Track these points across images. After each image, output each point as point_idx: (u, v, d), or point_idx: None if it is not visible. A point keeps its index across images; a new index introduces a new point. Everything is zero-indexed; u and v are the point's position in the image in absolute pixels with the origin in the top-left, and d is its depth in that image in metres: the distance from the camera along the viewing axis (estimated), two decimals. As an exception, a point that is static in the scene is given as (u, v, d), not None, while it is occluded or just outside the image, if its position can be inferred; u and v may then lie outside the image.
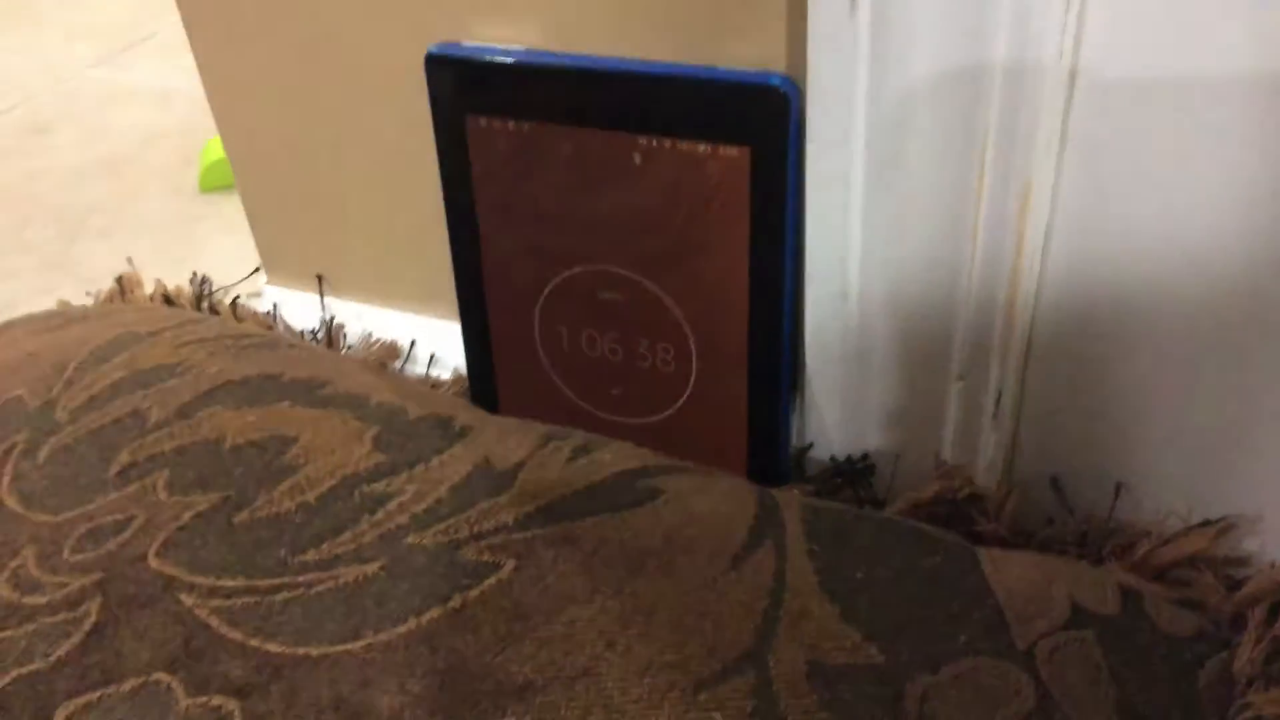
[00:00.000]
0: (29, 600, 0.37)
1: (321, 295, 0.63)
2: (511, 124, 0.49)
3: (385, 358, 0.60)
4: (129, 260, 0.82)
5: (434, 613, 0.36)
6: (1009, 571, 0.39)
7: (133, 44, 1.33)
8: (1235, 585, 0.43)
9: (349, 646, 0.35)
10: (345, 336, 0.62)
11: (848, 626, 0.36)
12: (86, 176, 1.06)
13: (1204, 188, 0.38)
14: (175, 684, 0.33)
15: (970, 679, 0.36)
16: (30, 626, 0.36)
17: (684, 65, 0.45)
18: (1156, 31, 0.36)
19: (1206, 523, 0.45)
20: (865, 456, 0.50)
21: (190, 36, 0.61)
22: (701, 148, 0.46)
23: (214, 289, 0.67)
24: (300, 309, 0.65)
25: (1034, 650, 0.37)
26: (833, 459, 0.51)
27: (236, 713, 0.32)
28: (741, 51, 0.45)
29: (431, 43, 0.50)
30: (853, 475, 0.50)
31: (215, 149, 1.01)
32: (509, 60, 0.49)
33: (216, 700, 0.33)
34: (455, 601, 0.36)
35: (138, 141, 1.12)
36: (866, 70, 0.41)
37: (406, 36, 0.52)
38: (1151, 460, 0.45)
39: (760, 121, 0.44)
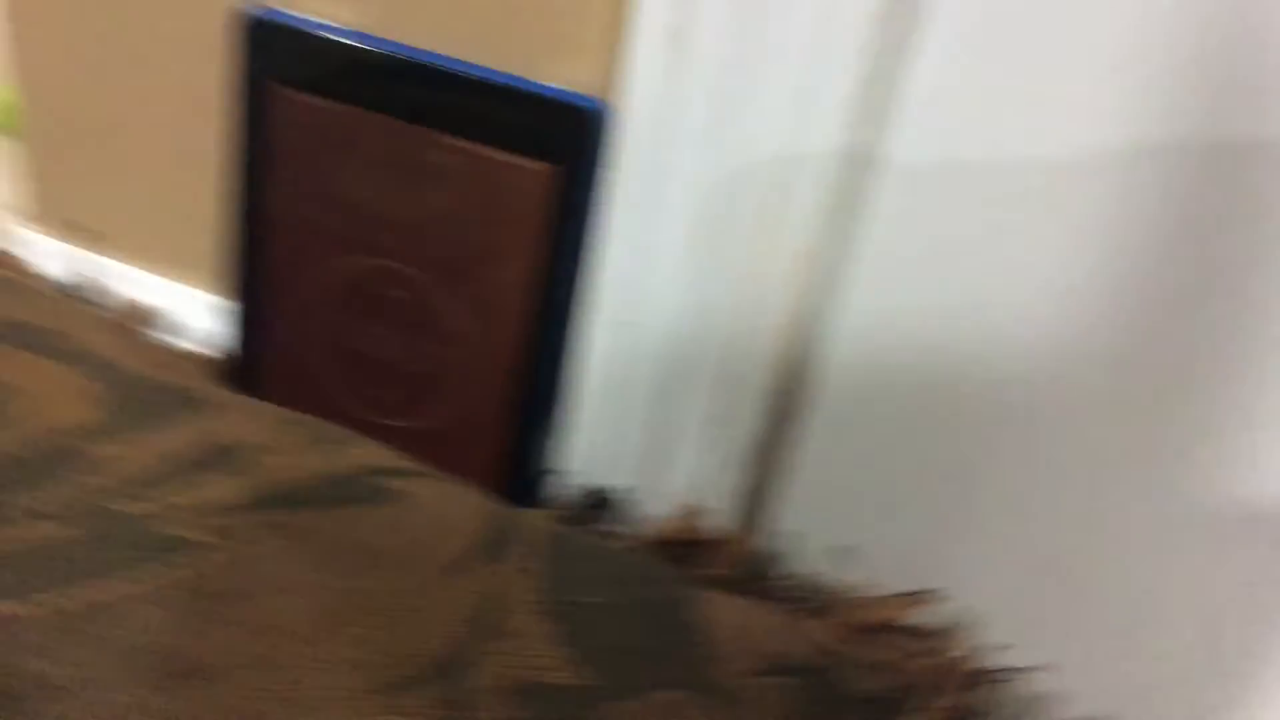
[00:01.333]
0: None
1: (81, 247, 0.59)
2: (318, 100, 0.48)
3: (138, 321, 0.57)
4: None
5: (125, 584, 0.34)
6: (723, 614, 0.40)
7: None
8: (931, 653, 0.45)
9: (26, 609, 0.33)
10: (103, 294, 0.59)
11: (558, 648, 0.36)
12: None
13: (994, 270, 0.41)
14: None
15: (673, 709, 0.36)
16: None
17: (501, 72, 0.46)
18: (958, 115, 0.39)
19: (907, 593, 0.47)
20: (614, 489, 0.51)
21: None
22: (504, 157, 0.46)
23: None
24: (63, 259, 0.61)
25: (735, 689, 0.38)
26: (583, 488, 0.51)
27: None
28: (563, 71, 0.45)
29: (244, 2, 0.49)
30: (600, 505, 0.51)
31: (4, 92, 0.94)
32: (325, 34, 0.48)
33: None
34: (149, 574, 0.34)
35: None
36: (677, 106, 0.42)
37: (223, -7, 0.50)
38: (882, 530, 0.48)
39: (567, 140, 0.45)
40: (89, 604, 0.32)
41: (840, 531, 0.49)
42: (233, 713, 0.30)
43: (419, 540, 0.38)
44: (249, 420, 0.43)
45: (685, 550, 0.47)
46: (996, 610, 0.47)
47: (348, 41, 0.48)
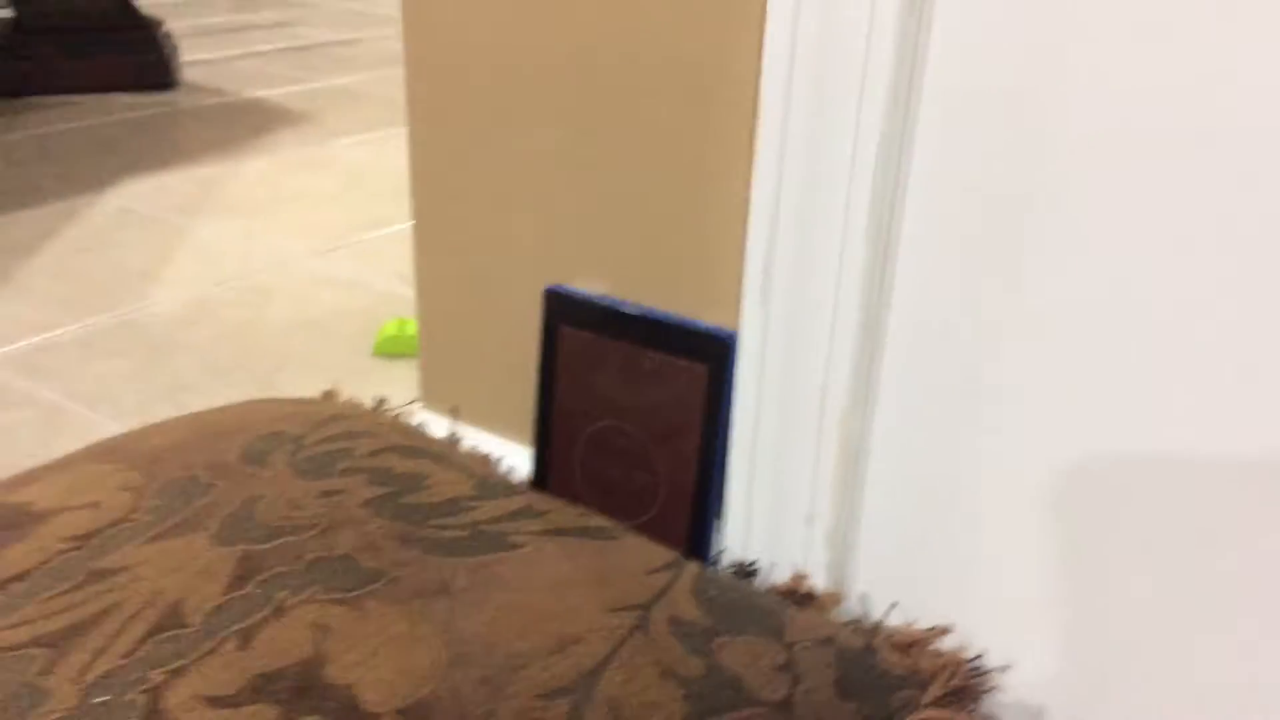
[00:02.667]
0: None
1: (454, 420, 1.00)
2: (585, 334, 0.87)
3: (486, 462, 0.96)
4: (333, 384, 1.20)
5: (490, 559, 0.69)
6: (802, 615, 0.71)
7: (337, 246, 1.79)
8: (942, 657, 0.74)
9: (464, 564, 0.68)
10: (461, 444, 0.99)
11: (699, 609, 0.69)
12: (294, 331, 1.48)
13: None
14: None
15: (756, 647, 0.67)
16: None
17: (681, 317, 0.83)
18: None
19: (930, 628, 0.76)
20: (754, 562, 0.84)
21: (416, 243, 1.01)
22: (684, 363, 0.82)
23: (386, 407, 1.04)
24: (437, 428, 1.02)
25: (800, 649, 0.68)
26: (734, 561, 0.84)
27: None
28: (714, 316, 0.82)
29: (548, 284, 0.89)
30: (745, 572, 0.83)
31: (389, 328, 1.42)
32: (590, 299, 0.87)
33: None
34: (497, 556, 0.69)
35: (333, 314, 1.54)
36: (763, 334, 0.77)
37: (538, 277, 0.91)
38: (913, 590, 0.78)
39: (715, 352, 0.80)
40: (485, 565, 0.68)
41: (890, 593, 0.79)
42: (535, 611, 0.64)
43: (639, 555, 0.72)
44: (545, 498, 0.79)
45: (797, 599, 0.79)
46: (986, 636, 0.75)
47: (601, 302, 0.86)
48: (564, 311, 0.88)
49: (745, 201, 0.77)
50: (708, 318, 0.82)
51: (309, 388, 1.27)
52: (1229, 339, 0.63)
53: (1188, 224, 0.62)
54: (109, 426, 1.22)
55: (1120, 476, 0.69)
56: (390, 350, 1.42)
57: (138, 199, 1.98)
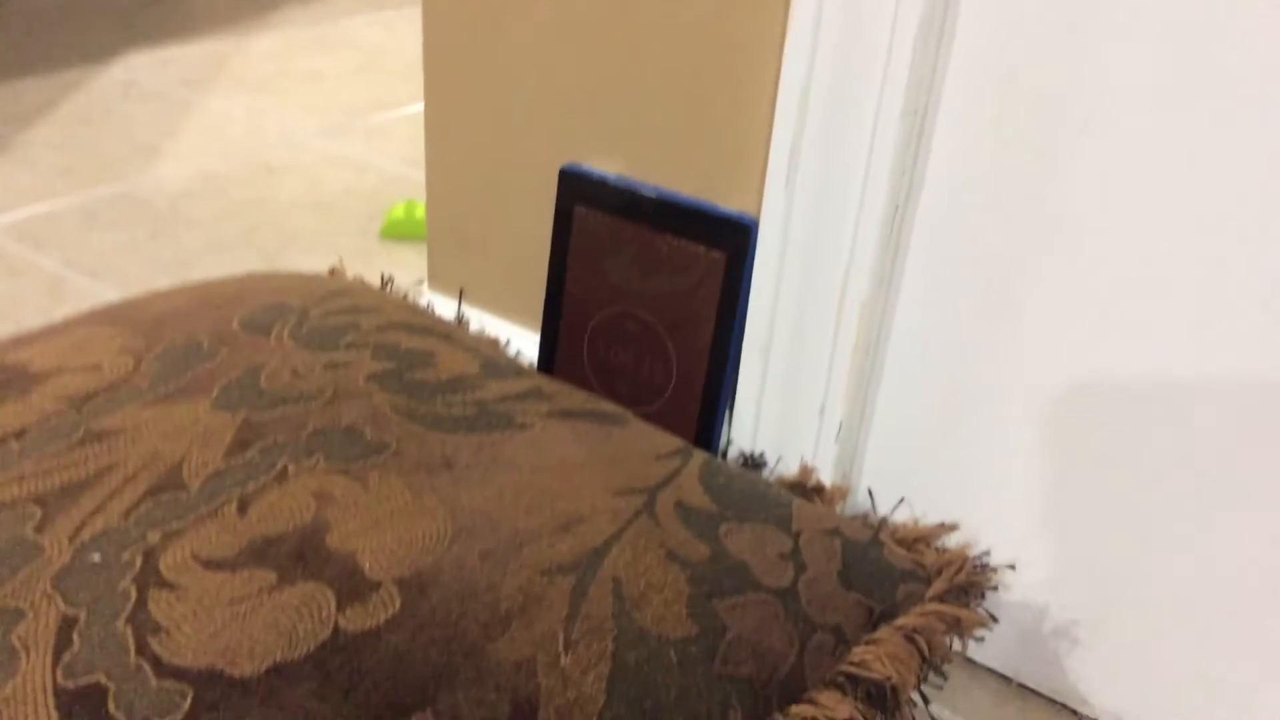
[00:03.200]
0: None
1: (460, 302, 0.98)
2: (600, 216, 0.84)
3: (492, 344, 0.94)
4: (339, 260, 1.18)
5: (495, 436, 0.68)
6: (809, 507, 0.70)
7: (347, 127, 1.75)
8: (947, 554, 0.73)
9: (466, 439, 0.67)
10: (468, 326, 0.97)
11: (705, 496, 0.67)
12: (300, 210, 1.45)
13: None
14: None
15: (764, 534, 0.66)
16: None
17: (700, 200, 0.80)
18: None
19: (938, 524, 0.75)
20: (762, 454, 0.82)
21: (427, 123, 0.98)
22: (701, 249, 0.80)
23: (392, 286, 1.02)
24: (444, 310, 1.00)
25: (807, 538, 0.67)
26: (741, 453, 0.83)
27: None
28: (735, 201, 0.79)
29: (563, 164, 0.86)
30: (753, 464, 0.82)
31: (397, 211, 1.39)
32: (606, 179, 0.84)
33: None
34: (504, 435, 0.68)
35: (340, 194, 1.51)
36: (786, 221, 0.75)
37: (552, 158, 0.88)
38: (920, 488, 0.76)
39: (734, 239, 0.78)
40: (491, 443, 0.66)
41: (899, 489, 0.78)
42: (540, 490, 0.63)
43: (647, 441, 0.71)
44: (553, 381, 0.77)
45: (804, 492, 0.77)
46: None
47: (617, 183, 0.83)
48: (579, 192, 0.85)
49: (774, 79, 0.74)
50: (728, 203, 0.80)
51: (314, 267, 1.24)
52: (1241, 263, 0.60)
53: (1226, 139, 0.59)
54: (111, 296, 1.21)
55: (1132, 388, 0.67)
56: (397, 233, 1.39)
57: (143, 72, 1.93)
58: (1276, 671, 0.68)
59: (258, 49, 2.11)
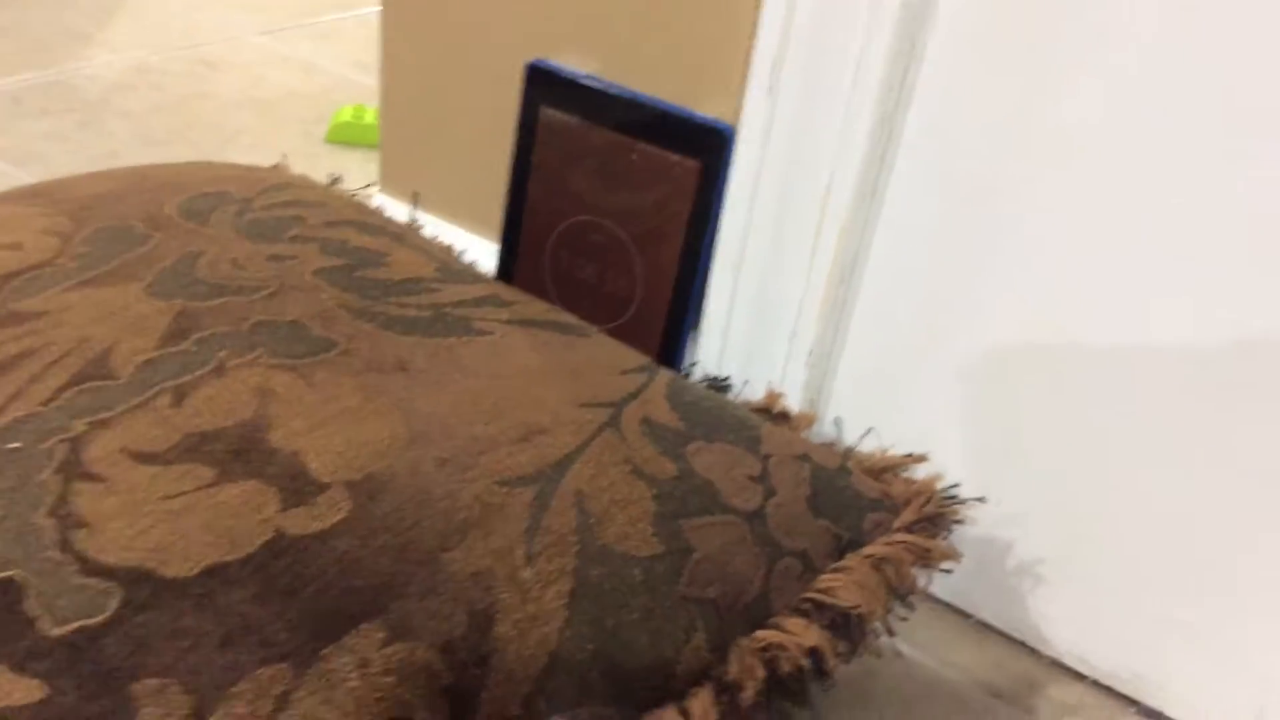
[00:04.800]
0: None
1: (414, 206, 0.93)
2: (565, 117, 0.80)
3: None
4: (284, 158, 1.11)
5: (452, 340, 0.64)
6: (777, 431, 0.67)
7: (291, 26, 1.66)
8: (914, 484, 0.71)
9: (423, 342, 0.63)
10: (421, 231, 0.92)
11: (673, 414, 0.64)
12: (240, 109, 1.37)
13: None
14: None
15: (731, 454, 0.63)
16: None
17: (676, 105, 0.76)
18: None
19: (907, 454, 0.73)
20: (727, 377, 0.79)
21: (384, 16, 0.92)
22: (674, 157, 0.76)
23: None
24: (395, 214, 0.95)
25: (775, 461, 0.65)
26: (706, 375, 0.80)
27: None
28: (711, 107, 0.75)
29: (530, 58, 0.81)
30: (718, 386, 0.79)
31: (344, 113, 1.32)
32: (574, 77, 0.79)
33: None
34: (461, 340, 0.64)
35: (284, 94, 1.43)
36: (768, 132, 0.71)
37: (515, 52, 0.82)
38: (888, 418, 0.74)
39: (710, 147, 0.74)
40: (447, 347, 0.62)
41: (867, 418, 0.76)
42: (499, 398, 0.59)
43: (611, 355, 0.67)
44: (512, 290, 0.73)
45: (770, 417, 0.74)
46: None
47: (587, 83, 0.79)
48: (546, 92, 0.80)
49: (762, -24, 0.70)
50: (704, 108, 0.76)
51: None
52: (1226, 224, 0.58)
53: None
54: (35, 187, 1.13)
55: (1105, 325, 0.65)
56: (343, 138, 1.33)
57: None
58: (1239, 612, 0.67)
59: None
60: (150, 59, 1.47)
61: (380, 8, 0.92)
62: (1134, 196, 0.62)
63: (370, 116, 1.32)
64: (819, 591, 0.60)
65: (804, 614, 0.59)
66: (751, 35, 0.70)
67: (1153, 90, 0.59)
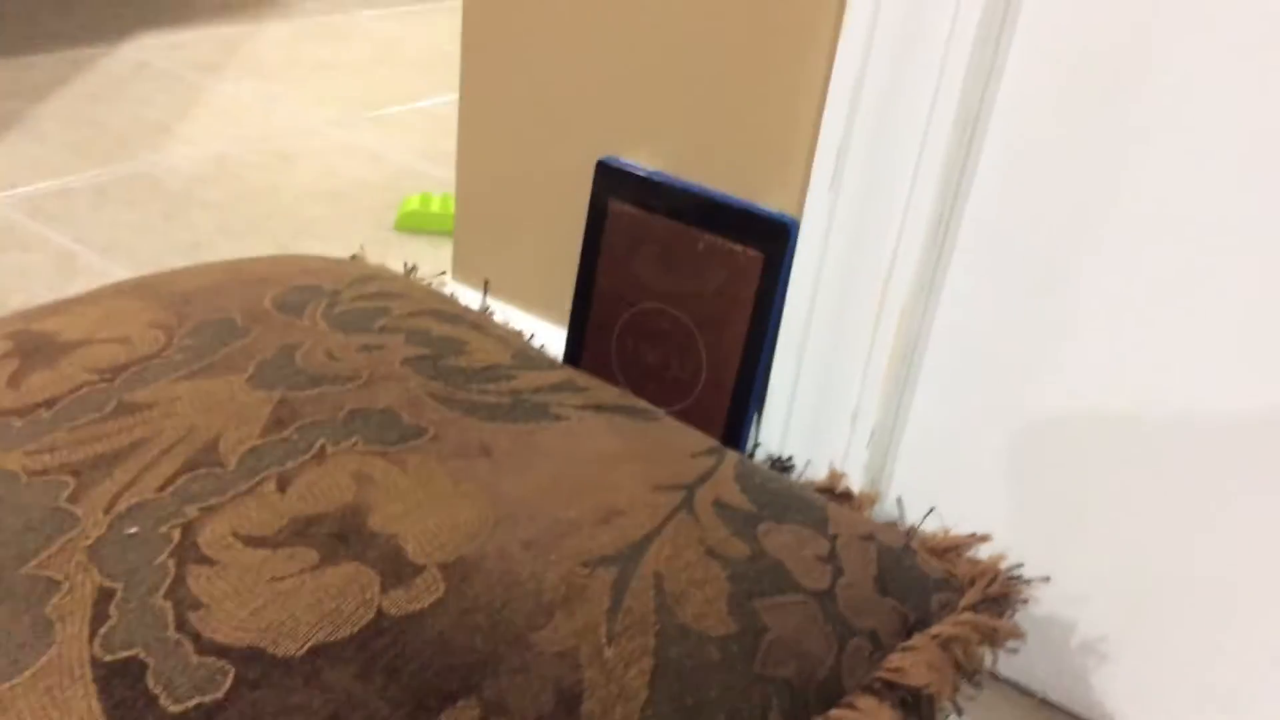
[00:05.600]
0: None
1: (485, 293, 0.97)
2: (634, 210, 0.83)
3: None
4: (360, 248, 1.17)
5: (539, 428, 0.67)
6: (843, 511, 0.70)
7: (360, 117, 1.74)
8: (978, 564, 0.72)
9: (505, 429, 0.66)
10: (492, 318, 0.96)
11: (742, 495, 0.67)
12: (314, 199, 1.44)
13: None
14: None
15: (801, 536, 0.65)
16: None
17: (739, 198, 0.79)
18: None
19: (970, 534, 0.75)
20: (790, 457, 0.81)
21: (461, 112, 0.97)
22: (739, 247, 0.79)
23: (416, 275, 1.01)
24: (468, 301, 0.99)
25: (843, 541, 0.67)
26: (770, 455, 0.82)
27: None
28: (773, 199, 0.78)
29: (598, 156, 0.85)
30: (782, 466, 0.81)
31: (411, 202, 1.38)
32: (641, 173, 0.83)
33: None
34: (542, 425, 0.67)
35: (354, 184, 1.49)
36: (829, 222, 0.74)
37: (587, 149, 0.87)
38: (950, 497, 0.76)
39: (773, 238, 0.77)
40: (527, 432, 0.65)
41: (929, 499, 0.78)
42: (578, 481, 0.62)
43: (681, 438, 0.70)
44: (585, 375, 0.76)
45: (834, 497, 0.77)
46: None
47: (655, 178, 0.83)
48: (614, 185, 0.84)
49: (824, 74, 0.73)
50: (768, 202, 0.79)
51: (331, 255, 1.23)
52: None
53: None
54: (122, 274, 1.19)
55: (1171, 400, 0.66)
56: (411, 225, 1.38)
57: (154, 53, 1.91)
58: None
59: (269, 36, 2.09)
60: (228, 151, 1.54)
61: (458, 102, 0.97)
62: (1189, 274, 0.64)
63: (436, 205, 1.38)
64: (890, 671, 0.62)
65: (875, 693, 0.61)
66: (814, 133, 0.74)
67: (1212, 180, 0.62)
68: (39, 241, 1.23)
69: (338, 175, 1.51)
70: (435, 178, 1.46)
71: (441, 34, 1.85)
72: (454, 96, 1.45)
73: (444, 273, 1.03)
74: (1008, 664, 0.78)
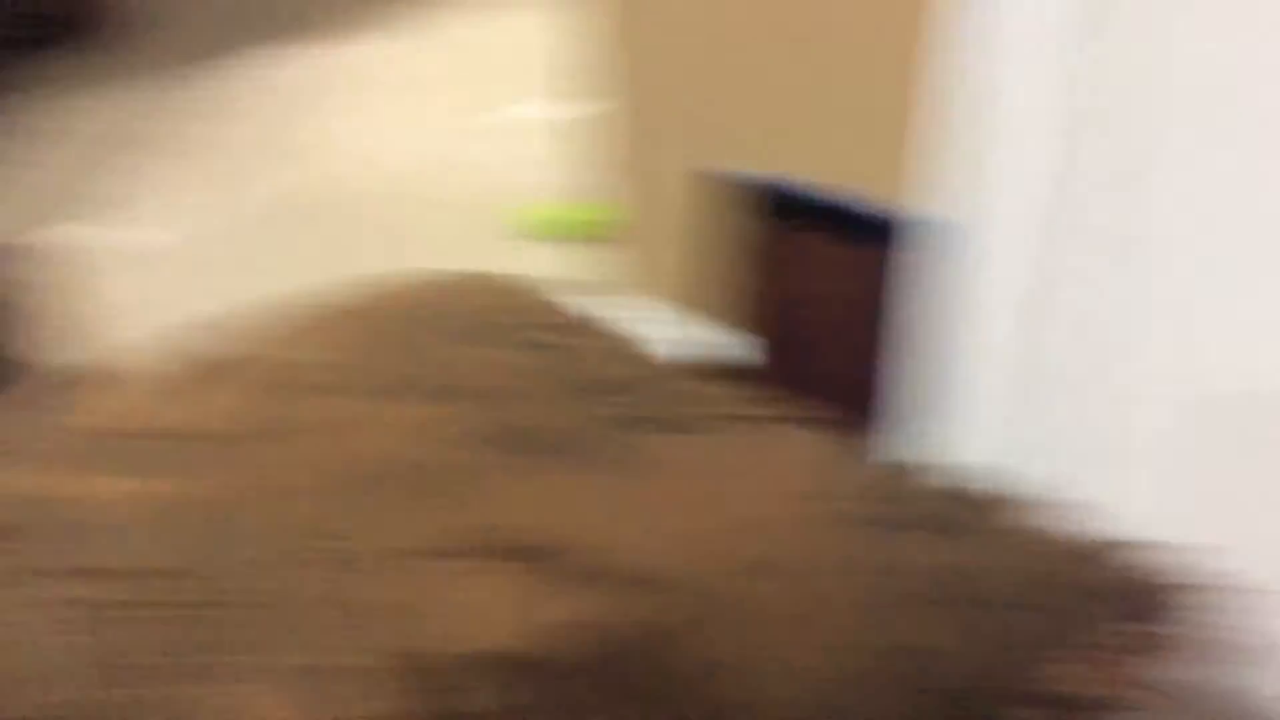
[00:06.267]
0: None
1: (629, 300, 0.99)
2: (785, 224, 0.84)
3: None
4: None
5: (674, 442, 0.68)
6: (1005, 524, 0.69)
7: (473, 129, 1.77)
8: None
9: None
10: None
11: (899, 505, 0.67)
12: (437, 210, 1.47)
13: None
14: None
15: (955, 541, 0.65)
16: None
17: (889, 210, 0.79)
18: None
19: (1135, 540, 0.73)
20: (946, 464, 0.81)
21: (611, 128, 0.99)
22: (883, 253, 0.79)
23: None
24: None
25: (997, 547, 0.66)
26: (923, 462, 0.82)
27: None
28: (927, 206, 0.78)
29: (749, 172, 0.86)
30: (924, 472, 0.81)
31: (532, 212, 1.41)
32: (789, 187, 0.84)
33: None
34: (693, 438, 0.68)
35: (474, 195, 1.53)
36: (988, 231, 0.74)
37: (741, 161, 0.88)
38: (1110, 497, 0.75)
39: (920, 243, 0.77)
40: (684, 444, 0.67)
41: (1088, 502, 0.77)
42: (734, 491, 0.63)
43: (829, 445, 0.70)
44: (730, 385, 0.77)
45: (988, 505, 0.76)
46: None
47: (798, 191, 0.83)
48: (762, 199, 0.86)
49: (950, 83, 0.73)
50: (922, 213, 0.79)
51: (461, 268, 1.25)
52: None
53: None
54: (252, 296, 1.23)
55: None
56: (535, 234, 1.41)
57: (261, 71, 1.97)
58: None
59: (375, 51, 2.14)
60: (346, 169, 1.59)
61: (604, 112, 0.99)
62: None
63: (557, 214, 1.40)
64: (1056, 679, 0.61)
65: (1043, 702, 0.61)
66: (953, 136, 0.74)
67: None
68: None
69: (456, 187, 1.55)
70: (553, 186, 1.49)
71: (531, 38, 1.87)
72: (548, 103, 1.47)
73: (580, 281, 1.05)
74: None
